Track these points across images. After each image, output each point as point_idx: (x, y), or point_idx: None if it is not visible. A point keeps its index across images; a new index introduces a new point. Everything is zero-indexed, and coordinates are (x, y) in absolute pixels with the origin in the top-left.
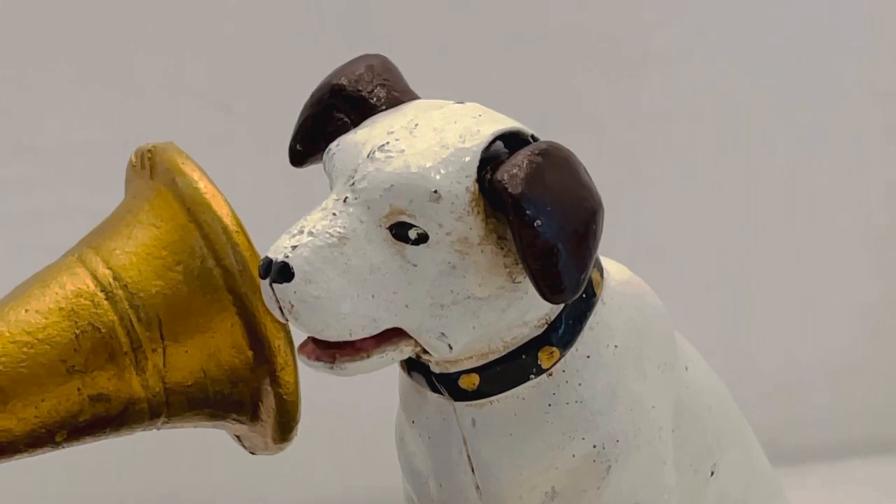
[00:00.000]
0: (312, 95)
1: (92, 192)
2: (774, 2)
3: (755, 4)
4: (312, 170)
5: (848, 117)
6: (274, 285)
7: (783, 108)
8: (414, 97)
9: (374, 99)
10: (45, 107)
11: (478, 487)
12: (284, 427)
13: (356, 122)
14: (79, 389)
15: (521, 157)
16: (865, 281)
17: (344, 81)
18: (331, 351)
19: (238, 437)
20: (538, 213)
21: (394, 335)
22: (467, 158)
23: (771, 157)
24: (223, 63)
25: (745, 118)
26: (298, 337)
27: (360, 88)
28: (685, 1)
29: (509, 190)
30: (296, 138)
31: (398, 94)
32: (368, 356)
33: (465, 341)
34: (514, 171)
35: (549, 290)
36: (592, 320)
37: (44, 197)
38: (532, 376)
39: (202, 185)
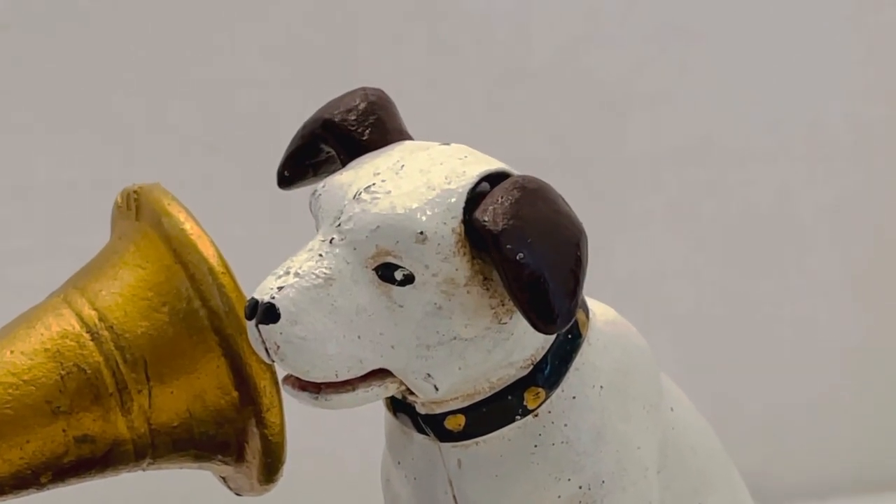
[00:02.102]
0: (304, 126)
1: (77, 232)
2: (758, 41)
3: (738, 44)
4: (299, 209)
5: (833, 160)
6: (260, 326)
7: (766, 148)
8: (406, 137)
9: (364, 139)
10: (30, 147)
11: None
12: (270, 468)
13: (344, 160)
14: (64, 431)
15: (497, 195)
16: (849, 323)
17: (336, 117)
18: (316, 382)
19: (223, 478)
20: (520, 246)
21: (380, 372)
22: (453, 199)
23: (754, 199)
24: (207, 103)
25: (729, 159)
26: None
27: (351, 128)
28: (668, 41)
29: (488, 228)
30: (284, 165)
31: (388, 135)
32: (354, 389)
33: (450, 382)
34: (490, 208)
35: (541, 321)
36: (578, 361)
37: (28, 237)
38: (518, 417)
39: (188, 226)
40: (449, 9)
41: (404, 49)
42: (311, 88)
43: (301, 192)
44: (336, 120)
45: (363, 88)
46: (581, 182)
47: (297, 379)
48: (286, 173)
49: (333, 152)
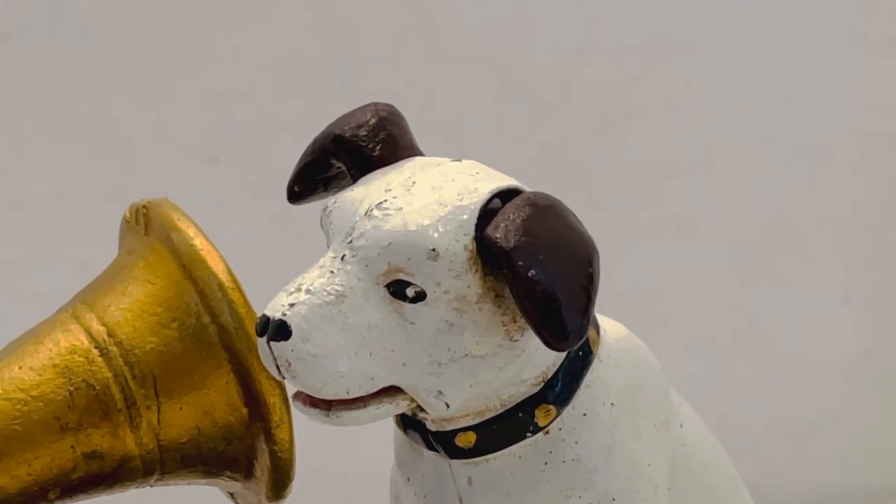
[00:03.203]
0: (315, 141)
1: (76, 244)
2: (759, 53)
3: (739, 56)
4: (308, 224)
5: (834, 172)
6: (271, 343)
7: (767, 160)
8: (417, 153)
9: (374, 155)
10: (32, 159)
11: None
12: (279, 484)
13: (355, 176)
14: (72, 447)
15: (509, 211)
16: (850, 335)
17: (347, 133)
18: (327, 399)
19: (232, 494)
20: (532, 263)
21: (391, 389)
22: (465, 216)
23: (757, 211)
24: (210, 115)
25: (730, 171)
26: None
27: (361, 143)
28: (669, 53)
29: (500, 244)
30: (294, 180)
31: (399, 151)
32: (365, 406)
33: (462, 399)
34: (502, 225)
35: (553, 338)
36: (589, 378)
37: (31, 249)
38: (529, 434)
39: (198, 241)
40: (448, 21)
41: (404, 61)
42: (311, 100)
43: (307, 205)
44: (347, 135)
45: (374, 104)
46: (581, 194)
47: (308, 395)
48: (296, 188)
49: (344, 168)
